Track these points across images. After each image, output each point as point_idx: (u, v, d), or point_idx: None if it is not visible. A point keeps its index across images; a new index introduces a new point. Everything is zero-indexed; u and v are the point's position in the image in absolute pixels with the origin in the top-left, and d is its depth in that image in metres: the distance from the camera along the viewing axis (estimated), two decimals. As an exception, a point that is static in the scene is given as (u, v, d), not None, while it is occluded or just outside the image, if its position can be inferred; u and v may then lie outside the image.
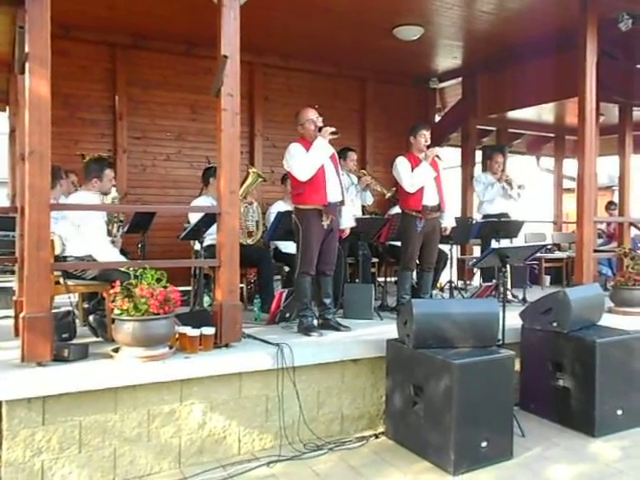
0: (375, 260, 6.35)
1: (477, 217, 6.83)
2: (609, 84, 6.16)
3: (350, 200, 5.87)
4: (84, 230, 4.01)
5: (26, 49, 3.16)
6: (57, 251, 3.98)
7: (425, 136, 5.03)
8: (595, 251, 6.10)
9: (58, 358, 3.26)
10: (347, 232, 4.70)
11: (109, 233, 4.51)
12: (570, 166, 10.64)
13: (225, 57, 3.64)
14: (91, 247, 3.99)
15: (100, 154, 5.70)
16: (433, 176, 5.02)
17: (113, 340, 3.51)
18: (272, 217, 5.43)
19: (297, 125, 4.44)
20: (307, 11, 5.82)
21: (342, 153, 5.79)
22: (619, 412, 3.93)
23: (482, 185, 6.77)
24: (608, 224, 8.73)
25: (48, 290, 3.28)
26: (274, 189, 7.46)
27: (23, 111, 3.46)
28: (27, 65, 3.18)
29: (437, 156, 5.03)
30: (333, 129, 4.30)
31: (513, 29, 6.31)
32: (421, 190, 4.98)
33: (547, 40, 6.39)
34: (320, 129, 4.30)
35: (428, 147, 5.05)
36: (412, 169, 4.98)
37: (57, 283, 3.87)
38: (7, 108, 6.94)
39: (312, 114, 4.39)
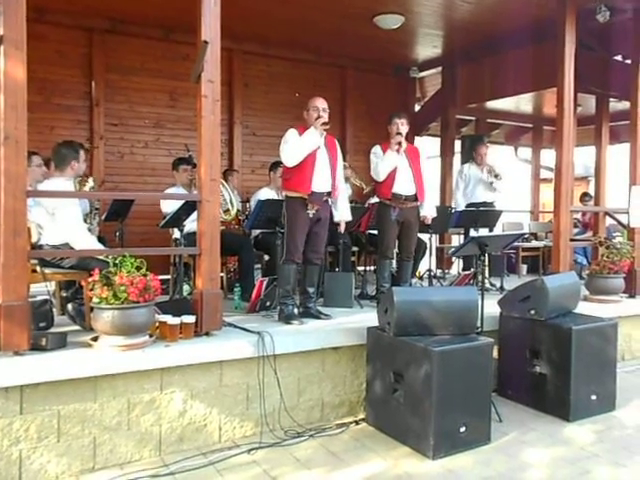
0: (355, 249, 6.38)
1: (460, 206, 6.89)
2: (586, 75, 6.23)
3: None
4: (59, 218, 3.93)
5: (0, 31, 3.08)
6: (33, 239, 3.91)
7: (397, 124, 4.98)
8: (571, 240, 6.20)
9: (36, 347, 3.20)
10: (343, 225, 4.71)
11: (85, 221, 4.43)
12: (547, 156, 10.79)
13: (206, 43, 3.60)
14: (67, 235, 3.92)
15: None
16: (401, 165, 4.96)
17: (92, 329, 3.46)
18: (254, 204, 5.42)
19: (304, 111, 4.45)
20: (287, -3, 5.78)
21: None
22: (593, 397, 4.02)
23: (466, 177, 6.87)
24: (583, 214, 8.88)
25: (25, 278, 3.23)
26: (254, 177, 7.45)
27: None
28: (2, 48, 3.10)
29: (399, 143, 4.93)
30: (325, 120, 4.31)
31: (492, 19, 6.35)
32: (391, 178, 4.95)
33: (526, 31, 6.45)
34: (318, 119, 4.29)
35: (397, 135, 4.97)
36: None
37: (33, 271, 3.81)
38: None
39: (319, 103, 4.38)
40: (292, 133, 4.33)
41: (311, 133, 4.28)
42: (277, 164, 5.86)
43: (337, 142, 4.60)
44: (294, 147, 4.24)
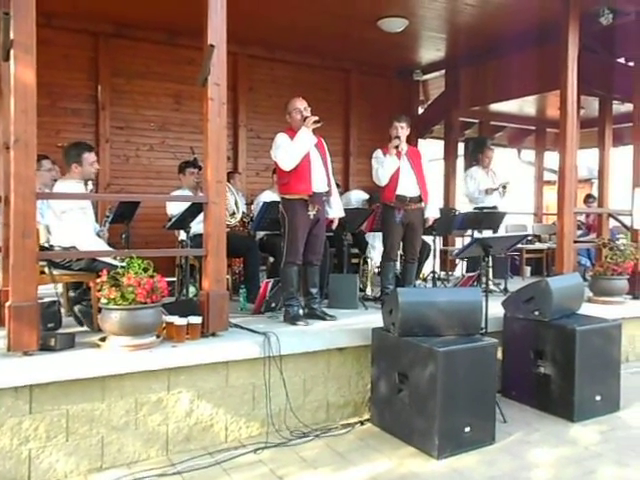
0: (356, 251, 6.40)
1: (468, 208, 6.96)
2: (590, 77, 6.26)
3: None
4: (66, 220, 3.98)
5: (11, 36, 3.13)
6: (42, 240, 3.95)
7: (397, 128, 5.01)
8: (575, 242, 6.22)
9: (44, 347, 3.24)
10: (336, 222, 4.73)
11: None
12: (550, 159, 10.80)
13: (212, 46, 3.64)
14: (74, 238, 3.96)
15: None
16: (404, 168, 4.99)
17: (99, 329, 3.51)
18: (259, 207, 5.46)
19: (285, 114, 4.46)
20: (291, 2, 5.83)
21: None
22: (597, 398, 4.03)
23: (474, 181, 6.92)
24: (587, 216, 8.89)
25: (34, 279, 3.26)
26: (258, 180, 7.49)
27: (7, 99, 3.43)
28: (12, 52, 3.14)
29: (396, 147, 4.97)
30: (316, 118, 4.31)
31: (496, 22, 6.38)
32: (395, 181, 4.99)
33: (529, 33, 6.47)
34: (305, 119, 4.32)
35: (395, 139, 5.00)
36: None
37: (42, 273, 3.85)
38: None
39: (299, 103, 4.40)
40: (283, 137, 4.35)
41: (304, 133, 4.29)
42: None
43: (324, 140, 4.57)
44: (290, 150, 4.26)
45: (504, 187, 6.81)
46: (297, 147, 4.26)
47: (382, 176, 4.97)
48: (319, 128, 4.37)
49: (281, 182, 4.44)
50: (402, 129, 5.02)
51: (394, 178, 4.99)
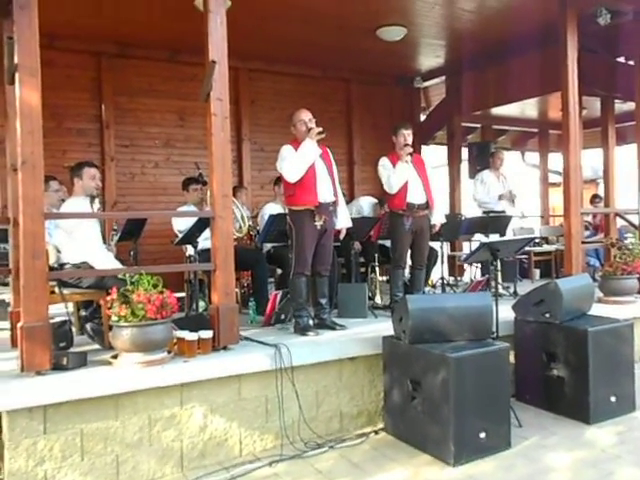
0: (363, 260, 6.40)
1: (477, 213, 7.02)
2: (591, 78, 6.27)
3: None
4: (77, 237, 4.03)
5: (15, 60, 3.17)
6: (51, 261, 3.98)
7: (404, 135, 5.04)
8: (583, 242, 6.20)
9: (57, 367, 3.26)
10: (344, 232, 4.74)
11: (104, 241, 4.52)
12: (555, 160, 10.79)
13: (213, 62, 3.67)
14: (86, 253, 4.00)
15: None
16: (411, 175, 5.02)
17: (111, 347, 3.52)
18: (265, 219, 5.48)
19: (291, 126, 4.49)
20: (290, 15, 5.87)
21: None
22: (612, 399, 3.99)
23: (485, 185, 6.97)
24: (594, 216, 8.86)
25: (45, 299, 3.28)
26: (263, 192, 7.51)
27: (13, 122, 3.48)
28: (17, 76, 3.19)
29: (410, 154, 5.00)
30: (320, 129, 4.34)
31: (494, 27, 6.40)
32: (404, 189, 5.00)
33: (528, 36, 6.49)
34: (309, 130, 4.34)
35: (406, 146, 5.05)
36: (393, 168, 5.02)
37: (52, 292, 3.87)
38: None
39: (304, 115, 4.43)
40: (287, 149, 4.37)
41: (309, 144, 4.32)
42: (281, 178, 5.92)
43: (329, 150, 4.60)
44: (295, 162, 4.28)
45: (512, 200, 6.93)
46: (301, 158, 4.28)
47: (395, 184, 4.98)
48: (323, 138, 4.40)
49: (287, 194, 4.45)
50: (409, 136, 5.06)
51: (404, 186, 5.01)
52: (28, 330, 3.16)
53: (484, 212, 6.93)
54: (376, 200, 6.93)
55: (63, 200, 4.64)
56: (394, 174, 4.98)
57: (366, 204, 6.93)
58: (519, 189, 7.29)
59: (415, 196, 5.04)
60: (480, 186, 7.12)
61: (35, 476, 3.07)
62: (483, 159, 8.11)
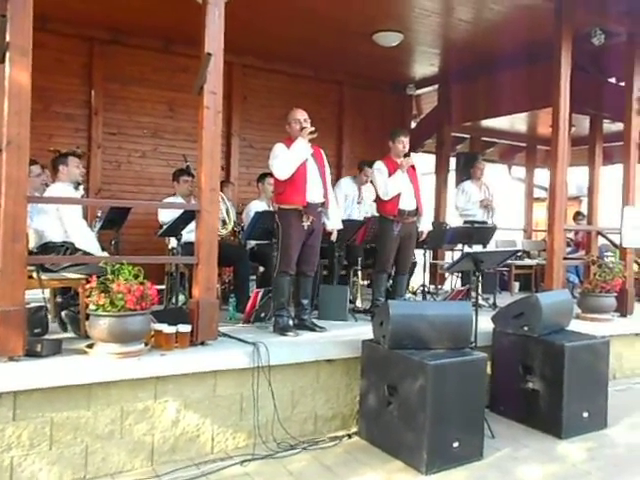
0: (345, 263, 6.38)
1: (458, 222, 7.04)
2: (581, 96, 6.32)
3: (347, 214, 6.11)
4: (63, 215, 4.12)
5: (7, 38, 3.11)
6: (30, 245, 3.91)
7: (403, 142, 5.07)
8: (564, 258, 6.25)
9: (30, 353, 3.19)
10: (335, 234, 4.73)
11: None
12: (540, 176, 10.89)
13: (209, 55, 3.64)
14: (71, 232, 4.07)
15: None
16: (404, 182, 5.05)
17: (86, 336, 3.47)
18: (250, 216, 5.45)
19: (286, 124, 4.48)
20: (289, 14, 5.85)
21: (360, 165, 6.46)
22: (585, 414, 4.03)
23: (465, 194, 7.01)
24: (576, 233, 8.94)
25: (22, 284, 3.22)
26: (249, 189, 7.47)
27: (0, 101, 3.40)
28: (7, 54, 3.12)
29: (412, 166, 5.09)
30: (312, 129, 4.34)
31: (489, 39, 6.45)
32: (398, 195, 5.02)
33: (521, 51, 6.56)
34: (302, 130, 4.33)
35: (405, 155, 5.09)
36: (389, 174, 5.03)
37: (30, 277, 3.80)
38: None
39: (299, 114, 4.42)
40: (280, 147, 4.36)
41: (300, 143, 4.31)
42: (265, 175, 5.90)
43: (322, 152, 4.61)
44: (285, 160, 4.28)
45: (491, 208, 6.95)
46: (292, 156, 4.27)
47: (391, 192, 4.99)
48: (314, 139, 4.38)
49: (277, 192, 4.44)
50: (407, 144, 5.09)
51: (397, 193, 5.03)
52: (3, 314, 3.09)
53: (465, 222, 6.95)
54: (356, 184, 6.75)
55: (47, 185, 4.59)
56: (392, 183, 4.99)
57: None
58: (499, 201, 7.31)
59: (406, 203, 5.06)
60: (461, 195, 7.18)
61: (1, 463, 3.00)
62: (469, 170, 8.16)
